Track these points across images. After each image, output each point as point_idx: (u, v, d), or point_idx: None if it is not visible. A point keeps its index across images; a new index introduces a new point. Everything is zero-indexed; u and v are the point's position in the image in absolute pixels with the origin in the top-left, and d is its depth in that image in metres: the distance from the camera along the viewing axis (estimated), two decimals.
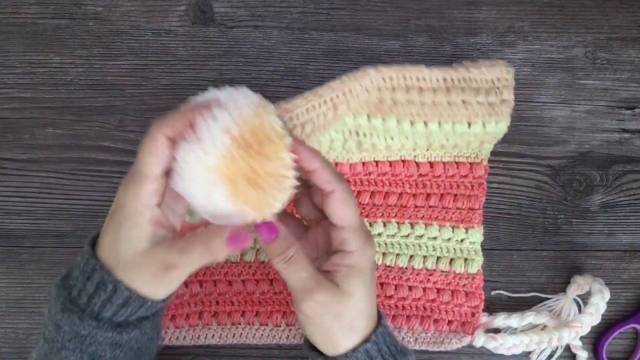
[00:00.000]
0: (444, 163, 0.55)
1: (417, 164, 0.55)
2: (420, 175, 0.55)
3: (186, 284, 0.53)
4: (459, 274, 0.55)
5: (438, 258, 0.55)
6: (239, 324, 0.54)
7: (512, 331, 0.56)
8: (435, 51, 0.58)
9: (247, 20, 0.58)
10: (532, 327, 0.55)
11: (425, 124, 0.52)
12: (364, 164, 0.55)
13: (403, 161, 0.55)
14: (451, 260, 0.55)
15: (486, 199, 0.57)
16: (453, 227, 0.55)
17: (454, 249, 0.55)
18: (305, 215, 0.46)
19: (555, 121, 0.58)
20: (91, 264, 0.39)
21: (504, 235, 0.57)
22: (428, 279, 0.55)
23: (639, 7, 0.59)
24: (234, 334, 0.54)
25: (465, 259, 0.55)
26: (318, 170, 0.40)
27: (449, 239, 0.55)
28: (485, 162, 0.55)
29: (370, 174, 0.55)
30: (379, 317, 0.45)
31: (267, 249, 0.40)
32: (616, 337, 0.57)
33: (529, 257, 0.57)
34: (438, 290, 0.55)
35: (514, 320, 0.54)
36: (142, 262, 0.38)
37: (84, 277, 0.39)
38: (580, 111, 0.59)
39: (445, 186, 0.55)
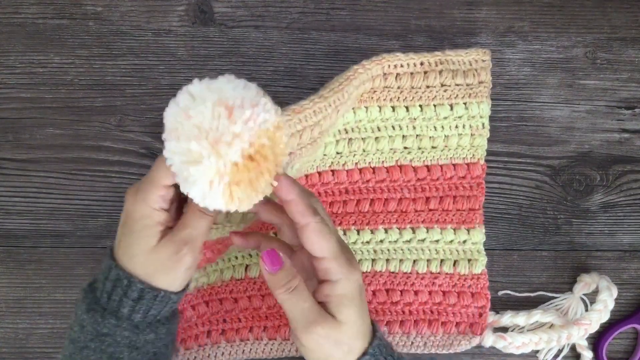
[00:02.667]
0: (440, 166, 0.55)
1: (414, 169, 0.55)
2: (418, 179, 0.55)
3: (193, 306, 0.53)
4: (464, 275, 0.55)
5: (442, 261, 0.55)
6: (248, 339, 0.54)
7: (519, 330, 0.56)
8: (435, 51, 0.58)
9: (247, 20, 0.58)
10: (538, 326, 0.55)
11: (407, 108, 0.54)
12: (360, 170, 0.55)
13: (400, 166, 0.55)
14: (455, 262, 0.55)
15: (486, 199, 0.57)
16: (455, 229, 0.55)
17: (457, 251, 0.55)
18: (289, 241, 0.46)
19: (555, 121, 0.58)
20: (107, 263, 0.42)
21: (504, 235, 0.57)
22: (433, 282, 0.55)
23: (639, 7, 0.59)
24: (243, 350, 0.54)
25: (469, 260, 0.55)
26: (293, 201, 0.40)
27: (451, 241, 0.55)
28: (482, 162, 0.55)
29: (368, 181, 0.55)
30: (374, 329, 0.46)
31: (270, 280, 0.41)
32: (616, 337, 0.57)
33: (529, 257, 0.57)
34: (444, 292, 0.55)
35: (521, 318, 0.54)
36: (154, 256, 0.40)
37: (104, 277, 0.42)
38: (580, 111, 0.59)
39: (444, 188, 0.55)
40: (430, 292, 0.55)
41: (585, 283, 0.55)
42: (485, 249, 0.56)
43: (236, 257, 0.54)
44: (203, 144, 0.35)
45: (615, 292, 0.54)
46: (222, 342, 0.54)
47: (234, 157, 0.35)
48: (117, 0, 0.58)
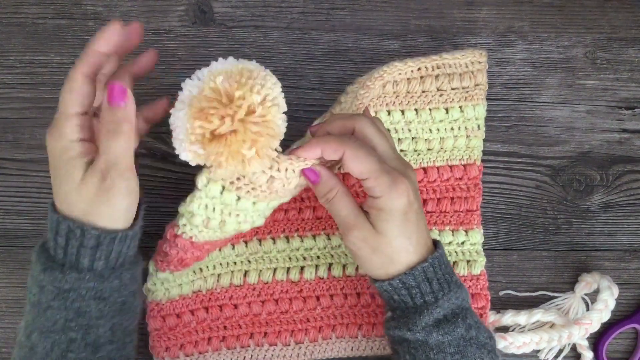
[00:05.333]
0: (437, 167, 0.55)
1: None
2: None
3: (192, 311, 0.53)
4: (463, 276, 0.55)
5: None
6: (248, 346, 0.54)
7: (520, 329, 0.56)
8: (435, 51, 0.58)
9: (247, 20, 0.58)
10: (539, 326, 0.55)
11: (403, 112, 0.54)
12: None
13: None
14: (454, 263, 0.55)
15: (486, 199, 0.57)
16: (453, 231, 0.55)
17: (456, 252, 0.55)
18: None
19: (555, 121, 0.58)
20: (54, 218, 0.41)
21: (504, 235, 0.57)
22: None
23: (639, 7, 0.59)
24: (244, 357, 0.54)
25: (468, 261, 0.55)
26: (323, 154, 0.44)
27: (449, 243, 0.55)
28: (478, 163, 0.55)
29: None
30: (437, 247, 0.47)
31: (314, 190, 0.46)
32: (616, 337, 0.57)
33: (529, 257, 0.57)
34: None
35: (522, 317, 0.54)
36: (84, 190, 0.40)
37: (53, 233, 0.41)
38: (580, 111, 0.59)
39: (441, 190, 0.55)
40: None
41: (587, 282, 0.55)
42: (485, 249, 0.56)
43: (235, 263, 0.54)
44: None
45: (616, 292, 0.54)
46: (223, 349, 0.54)
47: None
48: (117, 0, 0.58)
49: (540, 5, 0.59)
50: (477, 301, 0.54)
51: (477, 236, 0.55)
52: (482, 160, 0.55)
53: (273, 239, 0.54)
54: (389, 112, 0.54)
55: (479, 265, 0.55)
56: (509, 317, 0.55)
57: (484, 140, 0.56)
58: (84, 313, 0.41)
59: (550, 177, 0.58)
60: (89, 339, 0.41)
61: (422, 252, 0.45)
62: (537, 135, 0.58)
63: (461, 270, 0.55)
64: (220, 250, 0.53)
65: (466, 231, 0.55)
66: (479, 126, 0.55)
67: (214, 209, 0.45)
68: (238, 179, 0.43)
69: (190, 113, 0.40)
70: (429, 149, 0.55)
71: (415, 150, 0.55)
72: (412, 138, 0.54)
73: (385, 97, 0.53)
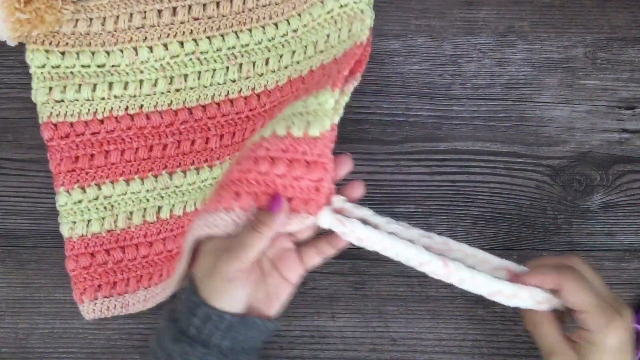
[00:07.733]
0: (335, 60, 0.50)
1: (303, 79, 0.53)
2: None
3: (107, 250, 0.54)
4: (298, 138, 0.42)
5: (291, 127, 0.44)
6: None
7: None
8: (435, 51, 0.58)
9: None
10: None
11: (288, 21, 0.54)
12: (258, 96, 0.55)
13: (291, 81, 0.54)
14: (307, 123, 0.43)
15: (486, 199, 0.57)
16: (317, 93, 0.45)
17: (309, 113, 0.44)
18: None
19: (555, 121, 0.58)
20: (196, 301, 0.44)
21: (503, 235, 0.57)
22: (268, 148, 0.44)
23: (639, 7, 0.59)
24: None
25: (309, 122, 0.43)
26: (541, 284, 0.46)
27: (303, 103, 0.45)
28: (364, 40, 0.48)
29: (264, 105, 0.54)
30: None
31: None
32: None
33: (529, 257, 0.57)
34: (272, 159, 0.43)
35: (379, 219, 0.45)
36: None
37: (191, 313, 0.45)
38: (580, 111, 0.59)
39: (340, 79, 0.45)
40: (273, 160, 0.43)
41: None
42: (485, 249, 0.55)
43: (147, 200, 0.54)
44: None
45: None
46: (141, 290, 0.54)
47: None
48: None
49: (540, 5, 0.59)
50: (313, 171, 0.43)
51: (326, 96, 0.43)
52: (482, 160, 0.55)
53: (184, 172, 0.55)
54: (276, 25, 0.54)
55: (321, 126, 0.42)
56: (363, 212, 0.45)
57: (483, 140, 0.56)
58: None
59: (550, 177, 0.58)
60: None
61: None
62: (537, 135, 0.58)
63: (296, 131, 0.43)
64: (128, 184, 0.54)
65: (324, 91, 0.44)
66: (362, 11, 0.51)
67: (51, 77, 0.54)
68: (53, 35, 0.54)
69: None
70: (321, 51, 0.54)
71: (309, 57, 0.54)
72: (305, 46, 0.54)
73: (265, 9, 0.54)
